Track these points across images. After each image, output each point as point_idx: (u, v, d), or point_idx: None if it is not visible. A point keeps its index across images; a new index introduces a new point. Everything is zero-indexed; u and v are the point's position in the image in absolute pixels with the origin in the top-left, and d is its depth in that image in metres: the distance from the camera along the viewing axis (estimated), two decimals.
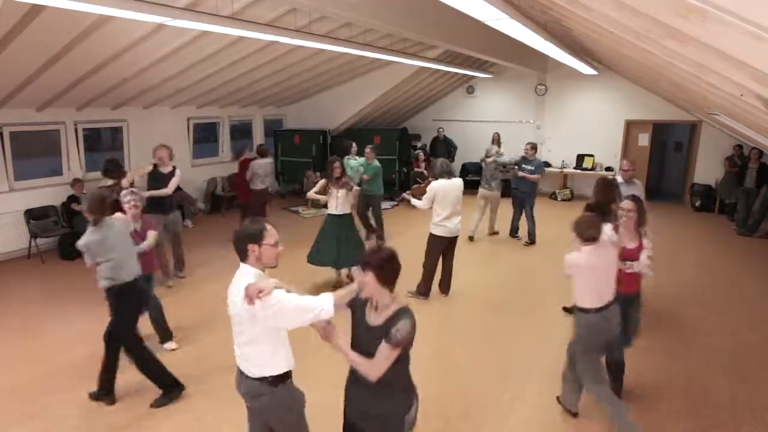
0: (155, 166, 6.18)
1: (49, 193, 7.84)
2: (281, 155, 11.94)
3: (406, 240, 7.76)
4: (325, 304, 2.30)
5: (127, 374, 4.35)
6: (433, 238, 5.70)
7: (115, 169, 6.34)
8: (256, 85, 9.48)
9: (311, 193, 6.11)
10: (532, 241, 7.92)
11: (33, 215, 7.56)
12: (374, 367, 2.26)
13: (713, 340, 4.99)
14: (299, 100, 12.12)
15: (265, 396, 2.45)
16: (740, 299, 6.08)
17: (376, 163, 8.11)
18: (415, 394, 2.44)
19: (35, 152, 9.43)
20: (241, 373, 2.51)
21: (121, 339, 3.92)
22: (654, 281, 6.27)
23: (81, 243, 3.78)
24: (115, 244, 3.82)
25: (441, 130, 12.47)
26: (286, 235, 6.81)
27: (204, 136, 13.15)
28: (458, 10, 3.42)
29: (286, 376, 2.49)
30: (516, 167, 8.02)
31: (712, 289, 6.42)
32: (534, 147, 7.99)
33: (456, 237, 5.77)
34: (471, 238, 8.12)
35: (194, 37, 6.06)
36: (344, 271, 6.21)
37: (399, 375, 2.35)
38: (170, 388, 3.94)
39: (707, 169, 10.93)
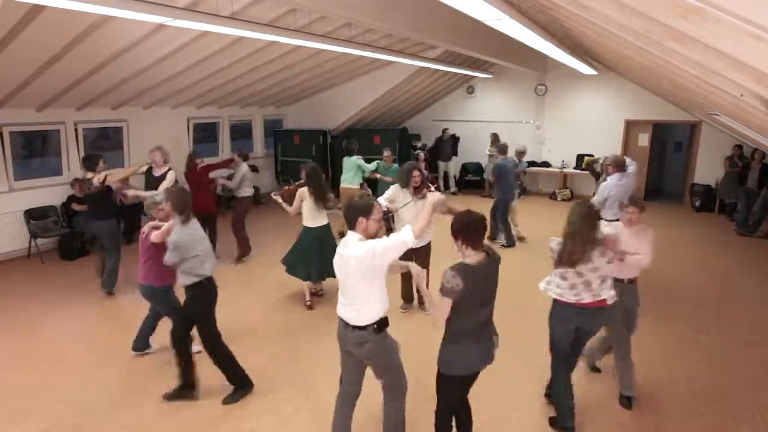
0: (150, 167, 6.16)
1: (49, 193, 7.84)
2: (281, 155, 11.95)
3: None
4: (406, 237, 2.78)
5: (130, 374, 4.36)
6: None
7: (91, 163, 6.00)
8: (256, 85, 9.48)
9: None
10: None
11: (33, 215, 7.57)
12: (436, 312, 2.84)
13: (713, 340, 4.99)
14: (299, 100, 12.12)
15: (369, 343, 2.91)
16: (740, 299, 6.08)
17: (396, 165, 8.16)
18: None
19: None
20: (345, 324, 2.96)
21: (204, 333, 3.91)
22: (653, 281, 6.27)
23: (174, 240, 3.72)
24: (199, 240, 3.82)
25: (447, 130, 12.46)
26: (285, 236, 6.79)
27: (204, 136, 13.14)
28: (458, 10, 3.42)
29: (384, 323, 2.95)
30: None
31: (712, 289, 6.41)
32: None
33: None
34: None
35: (194, 37, 6.06)
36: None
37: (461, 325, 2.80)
38: (242, 384, 4.00)
39: (707, 169, 10.94)
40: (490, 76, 12.11)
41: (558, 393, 3.49)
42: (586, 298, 3.24)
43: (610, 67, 9.91)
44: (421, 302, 5.70)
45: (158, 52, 6.36)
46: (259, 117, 11.97)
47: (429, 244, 5.39)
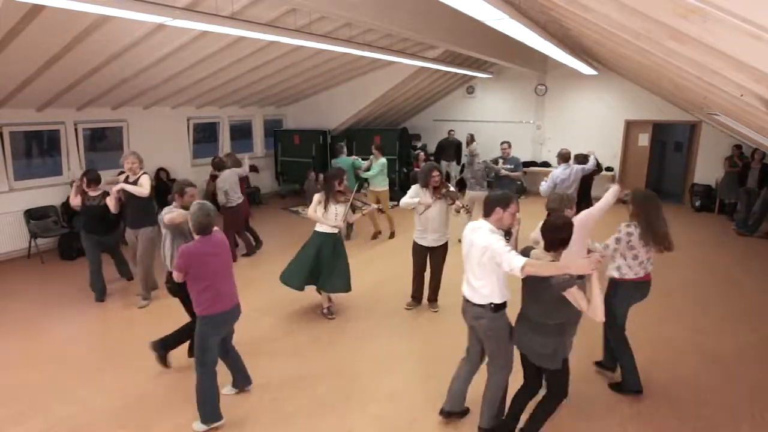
0: (127, 176, 5.66)
1: (49, 193, 7.84)
2: (281, 155, 11.96)
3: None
4: (514, 264, 2.83)
5: (130, 374, 4.36)
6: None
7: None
8: (256, 85, 9.48)
9: (317, 216, 5.18)
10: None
11: (33, 215, 7.57)
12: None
13: (713, 340, 4.99)
14: (299, 100, 12.12)
15: (485, 319, 3.24)
16: (740, 299, 6.08)
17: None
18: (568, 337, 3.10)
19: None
20: (466, 300, 3.33)
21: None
22: (653, 281, 6.27)
23: None
24: None
25: (453, 132, 12.40)
26: (285, 236, 6.81)
27: (204, 136, 13.15)
28: (458, 10, 3.42)
29: (501, 305, 3.23)
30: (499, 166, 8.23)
31: (712, 289, 6.42)
32: (510, 145, 8.45)
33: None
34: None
35: (194, 37, 6.06)
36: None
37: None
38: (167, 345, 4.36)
39: (707, 169, 10.94)
40: (490, 76, 12.11)
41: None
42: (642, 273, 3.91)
43: (610, 67, 9.92)
44: (431, 299, 5.69)
45: (158, 52, 6.36)
46: (259, 117, 11.97)
47: (446, 244, 5.45)
